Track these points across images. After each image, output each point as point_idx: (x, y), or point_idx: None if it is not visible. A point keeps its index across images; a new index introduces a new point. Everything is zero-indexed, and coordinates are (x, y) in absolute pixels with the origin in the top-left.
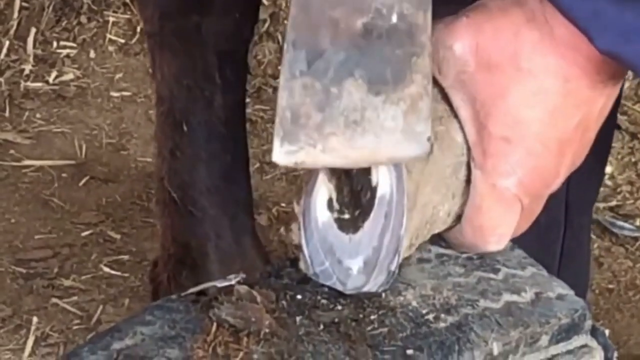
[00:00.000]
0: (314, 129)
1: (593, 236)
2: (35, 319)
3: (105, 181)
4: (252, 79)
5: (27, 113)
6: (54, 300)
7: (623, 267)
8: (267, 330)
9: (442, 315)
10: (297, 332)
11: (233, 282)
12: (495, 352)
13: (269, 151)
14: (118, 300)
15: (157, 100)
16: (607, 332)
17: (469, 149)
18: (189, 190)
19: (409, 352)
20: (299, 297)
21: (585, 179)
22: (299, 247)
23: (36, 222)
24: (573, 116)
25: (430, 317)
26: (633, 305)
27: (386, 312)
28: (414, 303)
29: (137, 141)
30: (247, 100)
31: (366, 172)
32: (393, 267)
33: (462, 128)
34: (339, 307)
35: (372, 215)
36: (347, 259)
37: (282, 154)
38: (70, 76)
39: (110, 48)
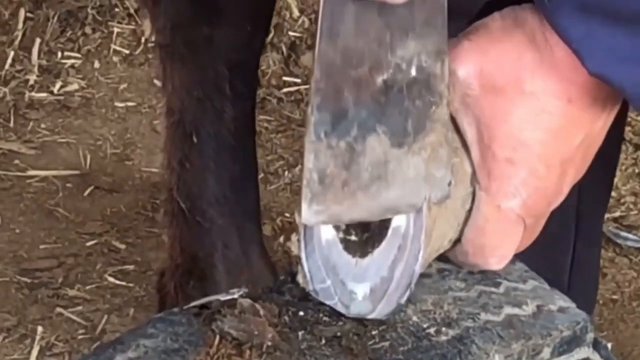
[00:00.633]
0: (340, 188)
1: None
2: (40, 329)
3: (110, 191)
4: None
5: (31, 123)
6: (59, 310)
7: (627, 277)
8: (269, 344)
9: (444, 329)
10: (300, 345)
11: (236, 296)
12: None
13: (273, 161)
14: (123, 310)
15: (167, 111)
16: (609, 345)
17: (474, 174)
18: (198, 201)
19: None
20: (301, 313)
21: (596, 190)
22: (298, 259)
23: (41, 232)
24: (575, 136)
25: (432, 330)
26: (637, 316)
27: (387, 328)
28: (415, 318)
29: (142, 151)
30: None
31: None
32: (403, 300)
33: (469, 156)
34: (341, 323)
35: (383, 244)
36: (351, 281)
37: (310, 215)
38: (75, 86)
39: (115, 59)
